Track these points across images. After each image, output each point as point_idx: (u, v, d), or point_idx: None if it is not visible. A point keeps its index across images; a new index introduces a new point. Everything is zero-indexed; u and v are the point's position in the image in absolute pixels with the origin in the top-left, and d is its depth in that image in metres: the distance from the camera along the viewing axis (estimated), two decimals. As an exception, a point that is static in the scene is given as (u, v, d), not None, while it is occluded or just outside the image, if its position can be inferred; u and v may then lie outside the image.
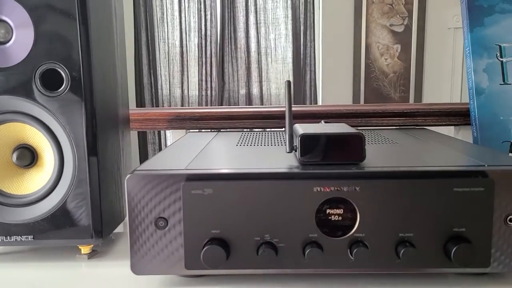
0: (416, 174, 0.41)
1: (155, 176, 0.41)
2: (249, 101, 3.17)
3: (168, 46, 3.16)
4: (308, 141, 0.43)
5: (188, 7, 3.12)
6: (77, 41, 0.46)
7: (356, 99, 2.91)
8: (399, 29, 2.91)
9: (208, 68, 3.13)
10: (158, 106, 3.23)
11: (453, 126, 0.78)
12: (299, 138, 0.43)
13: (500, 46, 0.74)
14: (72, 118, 0.47)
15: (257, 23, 3.11)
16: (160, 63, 3.17)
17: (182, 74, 3.17)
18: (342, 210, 0.41)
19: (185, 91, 3.18)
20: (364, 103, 2.91)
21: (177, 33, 3.13)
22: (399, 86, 2.95)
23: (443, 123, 0.76)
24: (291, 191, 0.40)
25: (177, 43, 3.13)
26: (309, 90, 3.14)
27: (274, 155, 0.49)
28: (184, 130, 0.77)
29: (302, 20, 3.11)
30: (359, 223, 0.41)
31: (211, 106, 3.17)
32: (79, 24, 0.46)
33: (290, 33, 3.10)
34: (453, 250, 0.40)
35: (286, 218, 0.41)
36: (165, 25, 3.13)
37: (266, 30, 3.12)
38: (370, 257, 0.41)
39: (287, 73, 3.15)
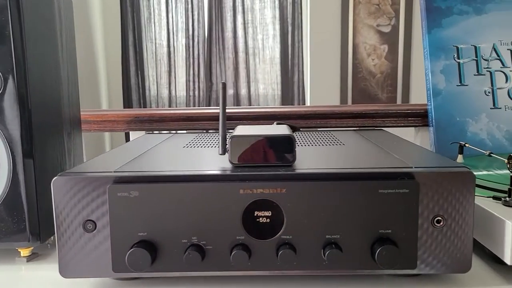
0: (342, 176, 0.41)
1: (82, 179, 0.41)
2: (237, 101, 3.17)
3: (155, 46, 3.15)
4: (239, 143, 0.43)
5: (176, 7, 3.12)
6: (10, 40, 0.46)
7: (343, 99, 2.92)
8: (386, 29, 2.91)
9: (196, 69, 3.13)
10: (146, 107, 3.23)
11: (413, 127, 0.78)
12: (230, 140, 0.43)
13: (457, 48, 0.74)
14: (7, 119, 0.47)
15: (244, 24, 3.11)
16: (147, 64, 3.17)
17: (170, 75, 3.17)
18: (268, 212, 0.41)
19: (173, 92, 3.18)
20: (352, 103, 2.91)
21: (164, 33, 3.13)
22: (387, 86, 2.95)
23: (402, 124, 0.76)
24: (217, 193, 0.40)
25: (165, 43, 3.13)
26: (297, 91, 3.14)
27: (211, 157, 0.49)
28: (144, 131, 0.77)
29: (290, 20, 3.11)
30: (286, 225, 0.41)
31: (199, 106, 3.16)
32: (12, 22, 0.46)
33: (278, 34, 3.11)
34: (377, 251, 0.40)
35: (214, 221, 0.41)
36: (152, 25, 3.13)
37: (253, 30, 3.12)
38: (297, 259, 0.41)
39: (275, 73, 3.15)
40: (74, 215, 0.41)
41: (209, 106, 3.16)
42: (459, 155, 0.63)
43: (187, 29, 3.11)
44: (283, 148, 0.43)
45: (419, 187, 0.41)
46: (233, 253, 0.40)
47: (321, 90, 2.93)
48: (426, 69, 0.74)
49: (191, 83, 3.14)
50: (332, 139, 0.62)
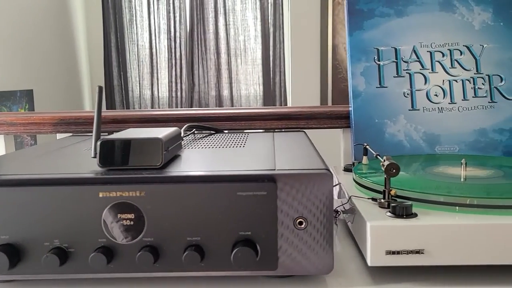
0: (201, 178, 0.42)
1: None
2: (219, 102, 3.18)
3: (137, 47, 3.16)
4: (106, 146, 0.43)
5: (157, 9, 3.13)
6: None
7: (323, 100, 2.92)
8: (367, 30, 2.91)
9: (178, 70, 3.14)
10: (129, 108, 3.23)
11: (338, 129, 0.79)
12: (98, 143, 0.44)
13: (378, 50, 0.74)
14: None
15: (226, 25, 3.11)
16: (130, 65, 3.18)
17: (152, 76, 3.17)
18: (129, 215, 0.41)
19: (155, 93, 3.19)
20: (332, 103, 2.92)
21: (146, 35, 3.13)
22: (368, 86, 2.95)
23: (325, 126, 0.77)
24: (77, 197, 0.41)
25: (147, 44, 3.14)
26: (278, 91, 3.15)
27: (89, 161, 0.49)
28: (70, 133, 0.78)
29: (271, 21, 3.12)
30: (146, 227, 0.42)
31: (181, 107, 3.17)
32: None
33: (259, 35, 3.11)
34: (233, 253, 0.41)
35: (76, 224, 0.41)
36: (134, 27, 3.14)
37: (235, 31, 3.12)
38: (159, 261, 0.42)
39: (257, 75, 3.16)
40: None
41: (191, 107, 3.16)
42: (364, 157, 0.64)
43: (169, 31, 3.11)
44: (150, 151, 0.44)
45: (278, 189, 0.41)
46: (91, 256, 0.41)
47: (302, 91, 2.93)
48: (349, 71, 0.75)
49: (174, 84, 3.15)
50: (240, 141, 0.62)
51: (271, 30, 3.11)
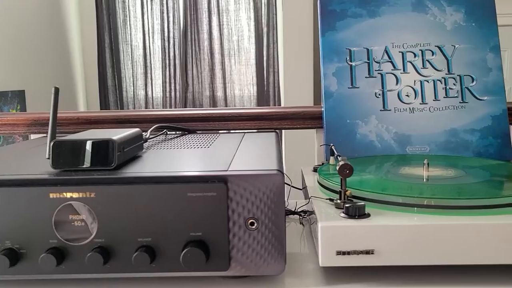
0: (151, 179, 0.42)
1: None
2: (213, 102, 3.18)
3: (131, 48, 3.16)
4: (58, 147, 0.44)
5: (151, 9, 3.13)
6: None
7: (317, 100, 2.92)
8: (360, 30, 2.91)
9: (172, 70, 3.14)
10: (123, 108, 3.23)
11: (312, 129, 0.79)
12: (51, 144, 0.44)
13: (350, 50, 0.74)
14: None
15: (220, 25, 3.11)
16: (124, 66, 3.18)
17: (146, 76, 3.18)
18: (80, 216, 0.41)
19: (149, 93, 3.19)
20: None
21: (140, 35, 3.14)
22: (361, 86, 2.95)
23: (299, 126, 0.77)
24: (27, 198, 0.41)
25: (140, 45, 3.14)
26: (272, 92, 3.15)
27: (42, 161, 0.49)
28: (44, 134, 0.78)
29: (264, 21, 3.12)
30: (97, 228, 0.42)
31: (175, 107, 3.17)
32: None
33: (253, 35, 3.11)
34: (182, 254, 0.41)
35: (27, 225, 0.42)
36: (128, 27, 3.14)
37: (229, 31, 3.12)
38: (110, 262, 0.42)
39: (251, 75, 3.16)
40: None
41: (185, 107, 3.17)
42: (331, 157, 0.64)
43: (162, 31, 3.11)
44: (102, 152, 0.44)
45: (228, 190, 0.41)
46: (41, 257, 0.41)
47: (296, 92, 2.94)
48: (321, 72, 0.75)
49: (168, 85, 3.15)
50: (208, 142, 0.62)
51: (264, 30, 3.11)
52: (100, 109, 3.17)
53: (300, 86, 2.91)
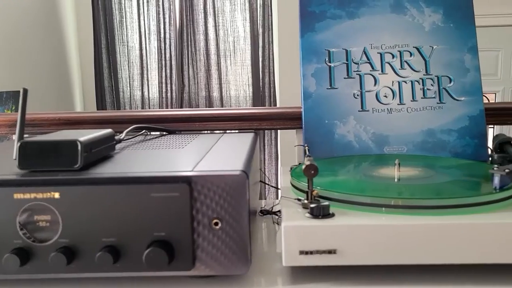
0: (114, 180, 0.42)
1: None
2: (209, 103, 3.19)
3: (128, 49, 3.17)
4: (25, 148, 0.44)
5: (147, 11, 3.13)
6: None
7: (312, 100, 2.92)
8: (356, 30, 2.91)
9: (168, 71, 3.15)
10: (120, 109, 3.24)
11: (292, 129, 0.80)
12: (17, 145, 0.44)
13: (329, 51, 0.75)
14: None
15: (216, 26, 3.12)
16: (120, 66, 3.18)
17: (142, 77, 3.18)
18: (44, 216, 0.42)
19: (146, 94, 3.20)
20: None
21: (136, 36, 3.14)
22: (357, 87, 2.95)
23: (278, 127, 0.77)
24: (-7, 198, 0.42)
25: (137, 46, 3.15)
26: (268, 92, 3.15)
27: (10, 162, 0.49)
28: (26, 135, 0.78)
29: (260, 22, 3.12)
30: (62, 229, 0.42)
31: (172, 108, 3.17)
32: None
33: (248, 36, 3.12)
34: (144, 254, 0.41)
35: (-7, 225, 0.42)
36: (124, 28, 3.15)
37: (225, 32, 3.13)
38: (74, 262, 0.42)
39: (247, 75, 3.16)
40: None
41: (182, 107, 3.17)
42: (306, 157, 0.64)
43: (158, 32, 3.12)
44: (67, 153, 0.44)
45: (192, 191, 0.42)
46: (5, 257, 0.41)
47: (291, 92, 2.93)
48: (300, 73, 0.75)
49: (164, 85, 3.16)
50: (184, 142, 0.63)
51: (260, 31, 3.12)
52: (97, 110, 3.18)
53: (295, 86, 2.90)
